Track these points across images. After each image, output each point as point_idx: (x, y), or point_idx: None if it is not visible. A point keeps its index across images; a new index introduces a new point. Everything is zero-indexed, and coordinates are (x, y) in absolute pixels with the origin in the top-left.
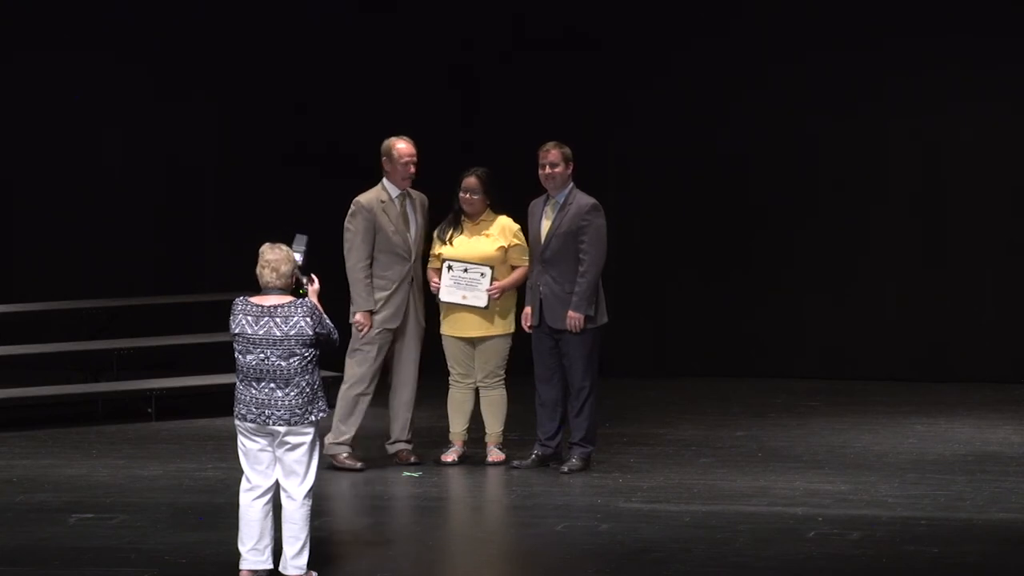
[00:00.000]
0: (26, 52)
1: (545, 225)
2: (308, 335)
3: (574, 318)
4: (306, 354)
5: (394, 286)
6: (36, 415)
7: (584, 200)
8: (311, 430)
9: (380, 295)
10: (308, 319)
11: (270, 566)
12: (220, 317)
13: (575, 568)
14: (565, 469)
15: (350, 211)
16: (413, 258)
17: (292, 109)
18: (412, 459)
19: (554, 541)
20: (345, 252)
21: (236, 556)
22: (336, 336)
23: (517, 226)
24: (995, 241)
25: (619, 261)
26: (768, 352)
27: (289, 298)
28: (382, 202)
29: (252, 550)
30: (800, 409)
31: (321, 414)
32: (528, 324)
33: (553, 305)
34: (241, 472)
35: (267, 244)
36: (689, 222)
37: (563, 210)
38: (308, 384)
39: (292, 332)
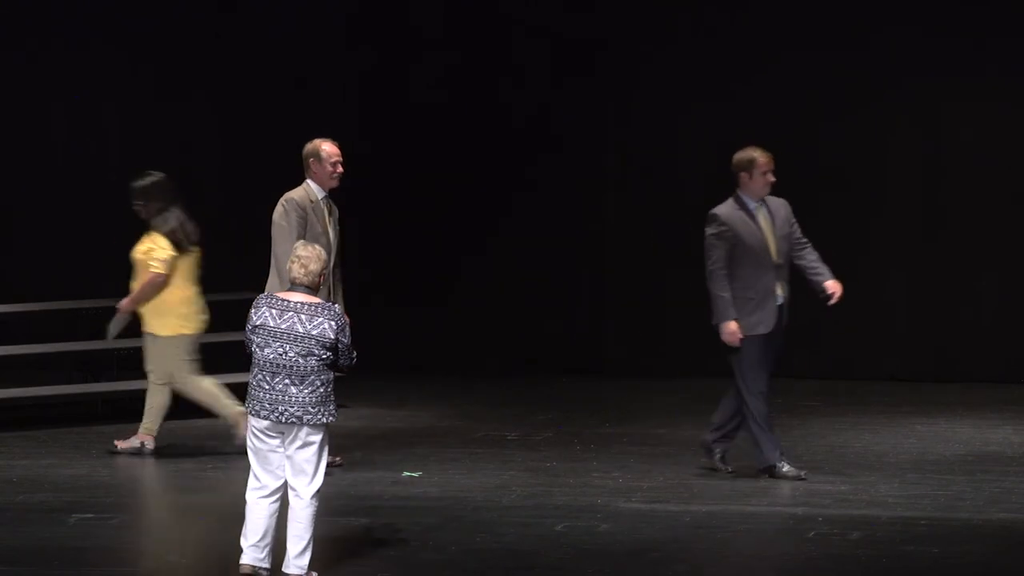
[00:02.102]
0: (26, 52)
1: (767, 231)
2: (329, 338)
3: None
4: (324, 355)
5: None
6: (36, 415)
7: (781, 201)
8: (322, 431)
9: None
10: (333, 323)
11: (268, 565)
12: (220, 317)
13: (575, 568)
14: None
15: (282, 208)
16: (333, 262)
17: (292, 108)
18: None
19: (554, 541)
20: (278, 248)
21: (236, 555)
22: (355, 354)
23: (158, 238)
24: (995, 242)
25: (619, 261)
26: None
27: (317, 299)
28: (311, 202)
29: (253, 547)
30: (800, 409)
31: (332, 417)
32: (741, 335)
33: (784, 308)
34: (248, 470)
35: (301, 241)
36: (689, 222)
37: (772, 214)
38: (323, 384)
39: (315, 332)
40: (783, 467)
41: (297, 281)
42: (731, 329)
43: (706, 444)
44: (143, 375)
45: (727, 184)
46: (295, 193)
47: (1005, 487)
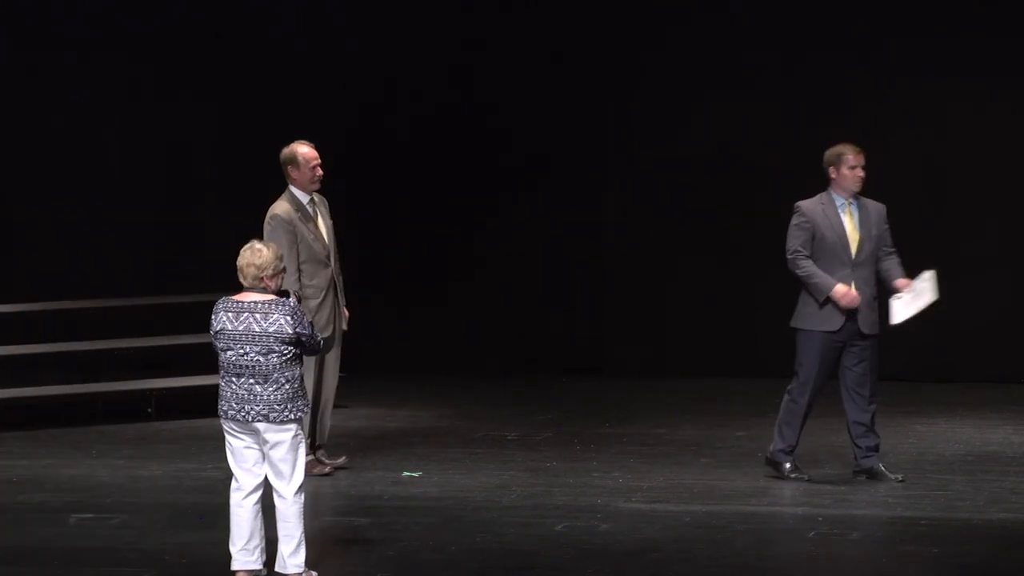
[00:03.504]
0: (26, 52)
1: (850, 228)
2: (287, 333)
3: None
4: (285, 351)
5: (322, 294)
6: (36, 415)
7: (877, 203)
8: (292, 427)
9: (311, 303)
10: (289, 318)
11: (259, 567)
12: None
13: (575, 568)
14: (900, 478)
15: (268, 226)
16: (333, 262)
17: (293, 108)
18: (340, 460)
19: (554, 541)
20: None
21: (231, 558)
22: (319, 339)
23: None
24: (995, 241)
25: (619, 261)
26: (768, 352)
27: (270, 297)
28: (297, 211)
29: (242, 550)
30: None
31: (301, 413)
32: (854, 292)
33: (864, 310)
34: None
35: (248, 244)
36: (689, 222)
37: (863, 212)
38: (288, 381)
39: (271, 329)
40: (787, 467)
41: (245, 285)
42: (842, 291)
43: (864, 468)
44: (142, 375)
45: (729, 183)
46: (279, 208)
47: (1005, 487)
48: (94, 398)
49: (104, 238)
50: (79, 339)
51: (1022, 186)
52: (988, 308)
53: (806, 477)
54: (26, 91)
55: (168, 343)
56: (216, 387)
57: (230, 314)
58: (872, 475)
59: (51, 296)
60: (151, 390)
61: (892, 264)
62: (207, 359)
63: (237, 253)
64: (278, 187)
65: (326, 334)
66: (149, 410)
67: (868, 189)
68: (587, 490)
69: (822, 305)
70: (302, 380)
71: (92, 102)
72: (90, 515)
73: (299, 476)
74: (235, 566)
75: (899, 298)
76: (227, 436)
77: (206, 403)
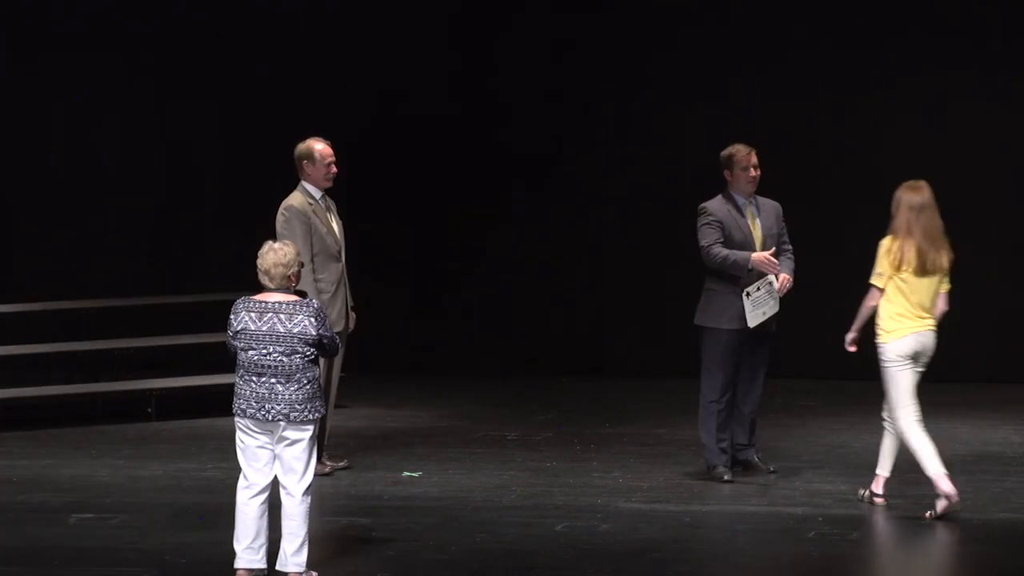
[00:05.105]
0: (27, 52)
1: (755, 227)
2: (311, 335)
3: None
4: (308, 352)
5: (332, 288)
6: (36, 415)
7: (774, 202)
8: (311, 427)
9: (322, 298)
10: (313, 319)
11: (264, 566)
12: (220, 317)
13: (575, 568)
14: (773, 469)
15: (283, 217)
16: (343, 258)
17: (293, 108)
18: (342, 464)
19: (554, 541)
20: None
21: (235, 556)
22: (338, 341)
23: None
24: (996, 241)
25: (619, 261)
26: None
27: (294, 297)
28: (310, 204)
29: (247, 548)
30: (799, 409)
31: (319, 412)
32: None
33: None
34: (240, 470)
35: (264, 246)
36: (689, 221)
37: (762, 211)
38: (309, 381)
39: (296, 330)
40: (719, 470)
41: (267, 287)
42: (760, 256)
43: (740, 461)
44: (143, 375)
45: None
46: (294, 200)
47: (1005, 487)
48: (94, 398)
49: (104, 238)
50: (79, 339)
51: (1022, 186)
52: (988, 308)
53: (726, 477)
54: (26, 91)
55: (168, 343)
56: (216, 387)
57: (252, 314)
58: (748, 467)
59: (51, 296)
60: (151, 390)
61: (783, 261)
62: (207, 359)
63: (238, 254)
64: (278, 187)
65: (337, 329)
66: (149, 410)
67: (870, 189)
68: (587, 490)
69: (748, 272)
70: (319, 380)
71: (92, 102)
72: (90, 515)
73: (310, 475)
74: (239, 564)
75: (747, 295)
76: (240, 434)
77: (206, 403)
